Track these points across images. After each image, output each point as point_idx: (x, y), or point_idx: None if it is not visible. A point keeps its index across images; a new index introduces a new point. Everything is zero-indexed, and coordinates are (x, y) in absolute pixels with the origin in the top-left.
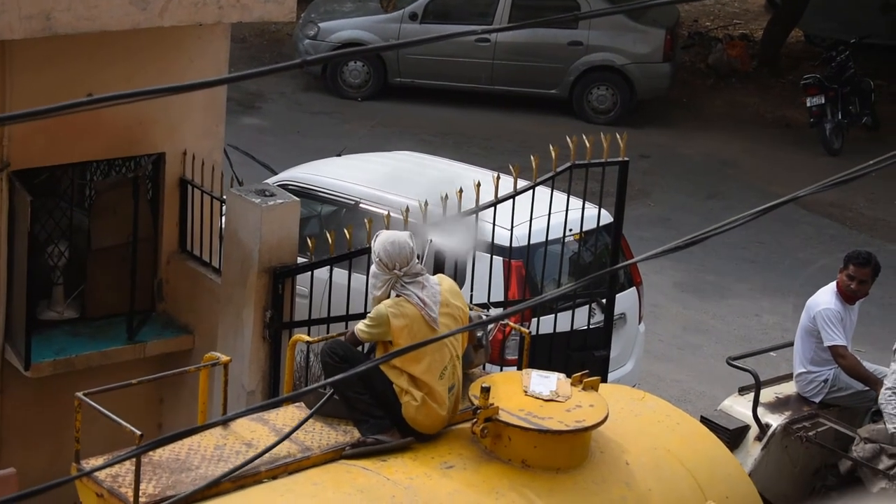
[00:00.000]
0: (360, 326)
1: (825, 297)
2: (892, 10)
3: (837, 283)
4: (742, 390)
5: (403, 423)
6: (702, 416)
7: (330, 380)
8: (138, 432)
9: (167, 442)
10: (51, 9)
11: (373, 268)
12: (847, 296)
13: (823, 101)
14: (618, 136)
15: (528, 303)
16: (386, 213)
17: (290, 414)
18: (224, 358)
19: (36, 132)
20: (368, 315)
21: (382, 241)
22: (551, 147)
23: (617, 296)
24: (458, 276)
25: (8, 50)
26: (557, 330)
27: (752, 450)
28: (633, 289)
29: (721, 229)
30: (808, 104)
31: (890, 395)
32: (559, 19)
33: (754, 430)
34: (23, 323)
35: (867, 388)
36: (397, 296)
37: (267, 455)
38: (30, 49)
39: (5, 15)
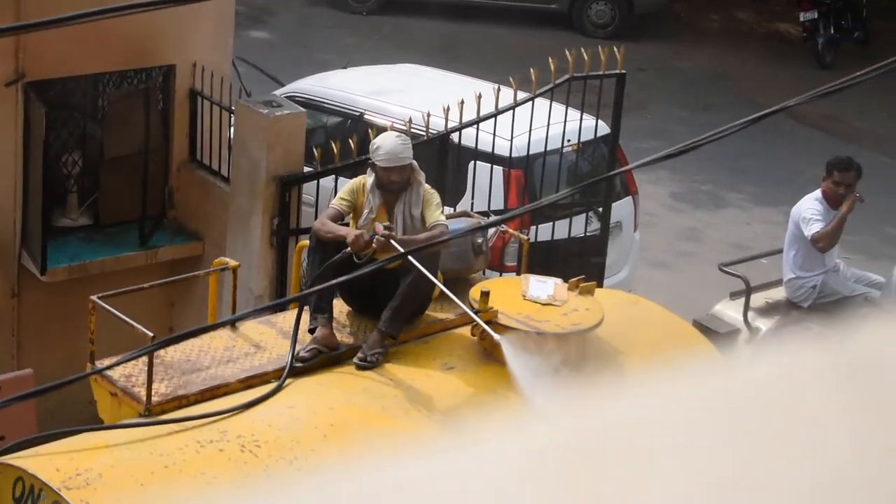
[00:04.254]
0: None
1: (808, 203)
2: None
3: (823, 191)
4: (733, 295)
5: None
6: (694, 320)
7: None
8: (150, 333)
9: (178, 340)
10: None
11: None
12: (835, 201)
13: (816, 16)
14: (615, 50)
15: (526, 208)
16: (390, 123)
17: (295, 317)
18: (233, 263)
19: (50, 44)
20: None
21: (386, 133)
22: (550, 60)
23: (613, 205)
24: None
25: None
26: (555, 237)
27: (743, 353)
28: (630, 198)
29: (712, 138)
30: (802, 19)
31: None
32: None
33: (745, 334)
34: (39, 229)
35: (855, 293)
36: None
37: (275, 356)
38: None
39: None
